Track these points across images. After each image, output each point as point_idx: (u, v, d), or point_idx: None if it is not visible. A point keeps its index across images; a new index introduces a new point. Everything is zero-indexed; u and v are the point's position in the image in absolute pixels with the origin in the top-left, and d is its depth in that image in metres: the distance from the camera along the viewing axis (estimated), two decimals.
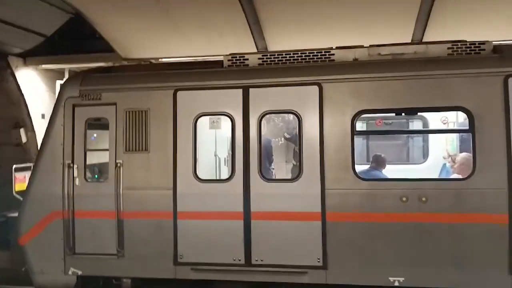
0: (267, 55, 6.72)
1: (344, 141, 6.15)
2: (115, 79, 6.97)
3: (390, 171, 7.82)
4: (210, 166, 7.70)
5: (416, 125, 9.75)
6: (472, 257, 5.82)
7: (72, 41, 12.17)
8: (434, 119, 8.95)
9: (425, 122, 9.30)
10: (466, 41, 6.27)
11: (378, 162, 7.45)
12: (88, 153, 6.87)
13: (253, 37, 10.34)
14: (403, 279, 5.97)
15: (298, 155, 6.33)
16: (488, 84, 5.86)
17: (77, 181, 6.81)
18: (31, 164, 8.38)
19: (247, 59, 6.76)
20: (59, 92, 7.21)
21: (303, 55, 6.57)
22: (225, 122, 6.64)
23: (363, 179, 6.20)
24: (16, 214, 7.42)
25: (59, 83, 14.75)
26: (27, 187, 7.16)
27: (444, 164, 8.77)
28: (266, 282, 6.38)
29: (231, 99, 6.47)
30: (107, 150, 6.82)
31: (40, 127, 12.23)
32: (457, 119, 8.35)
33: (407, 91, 6.08)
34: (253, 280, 6.39)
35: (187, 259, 6.48)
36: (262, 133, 6.46)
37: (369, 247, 6.04)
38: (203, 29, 10.36)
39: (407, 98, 6.10)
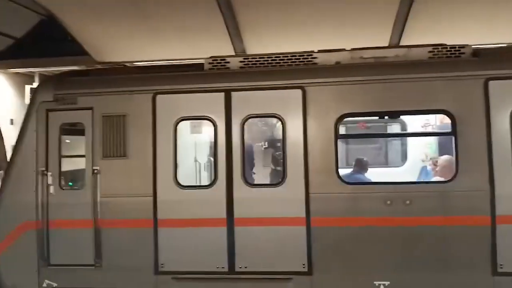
0: (248, 58, 6.63)
1: (328, 144, 6.11)
2: (91, 83, 6.75)
3: (370, 174, 7.85)
4: (191, 172, 7.53)
5: (394, 128, 9.85)
6: (456, 259, 5.84)
7: (43, 44, 11.77)
8: (412, 123, 9.05)
9: (403, 126, 9.40)
10: (446, 44, 6.33)
11: (361, 166, 7.46)
12: (63, 160, 6.61)
13: (231, 40, 10.25)
14: (388, 283, 5.94)
15: (282, 159, 6.25)
16: (469, 87, 5.92)
17: (51, 189, 6.55)
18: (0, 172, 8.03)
19: (228, 62, 6.65)
20: (31, 97, 6.93)
21: (285, 58, 6.51)
22: (207, 127, 6.50)
23: (347, 183, 6.17)
24: None
25: (29, 87, 14.34)
26: None
27: (423, 167, 8.87)
28: None
29: (213, 102, 6.34)
30: (83, 156, 6.58)
31: (8, 133, 11.80)
32: (436, 122, 8.44)
33: (390, 95, 6.09)
34: None
35: (168, 268, 6.30)
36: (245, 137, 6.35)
37: (354, 251, 6.00)
38: (180, 32, 10.21)
39: (390, 102, 6.10)
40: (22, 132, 6.72)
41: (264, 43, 10.28)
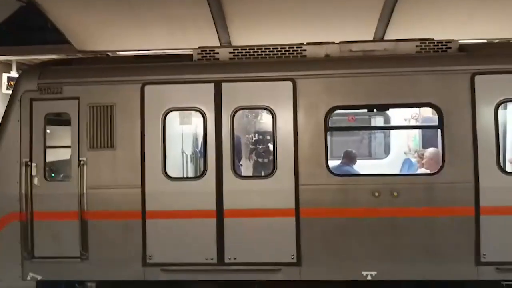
0: (238, 49, 6.59)
1: (318, 137, 6.15)
2: (77, 72, 6.60)
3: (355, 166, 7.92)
4: (179, 163, 7.46)
5: (378, 121, 9.96)
6: (441, 249, 5.98)
7: (22, 31, 11.41)
8: (396, 116, 9.17)
9: (386, 119, 9.52)
10: (433, 39, 6.42)
11: (350, 158, 7.54)
12: (47, 151, 6.47)
13: (217, 31, 10.16)
14: (375, 273, 6.05)
15: (273, 151, 6.26)
16: (456, 82, 6.04)
17: (35, 180, 6.40)
18: None
19: (217, 53, 6.60)
20: (14, 86, 6.72)
21: (275, 50, 6.50)
22: (196, 118, 6.45)
23: (336, 175, 6.23)
24: None
25: (6, 76, 13.93)
26: None
27: (406, 159, 9.01)
28: (239, 280, 6.27)
29: (203, 93, 6.29)
30: (69, 147, 6.45)
31: None
32: (420, 115, 8.56)
33: (379, 88, 6.15)
34: (226, 279, 6.27)
35: (156, 259, 6.25)
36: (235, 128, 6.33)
37: (342, 242, 6.07)
38: (165, 21, 10.05)
39: (379, 95, 6.17)
40: (4, 122, 6.52)
41: (250, 34, 10.23)
